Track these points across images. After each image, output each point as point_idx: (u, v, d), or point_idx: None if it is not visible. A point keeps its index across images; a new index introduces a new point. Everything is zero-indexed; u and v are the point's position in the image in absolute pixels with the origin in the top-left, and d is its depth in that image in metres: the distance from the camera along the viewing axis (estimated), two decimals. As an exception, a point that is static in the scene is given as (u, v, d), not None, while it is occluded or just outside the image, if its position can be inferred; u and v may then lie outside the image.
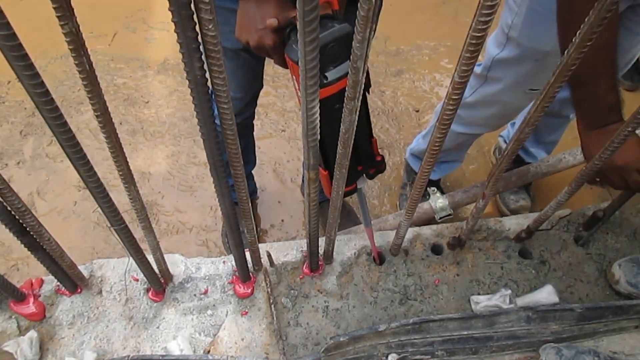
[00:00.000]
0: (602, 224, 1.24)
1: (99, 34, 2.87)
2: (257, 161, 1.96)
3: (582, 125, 1.02)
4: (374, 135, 0.94)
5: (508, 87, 1.42)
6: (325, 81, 0.76)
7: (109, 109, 0.66)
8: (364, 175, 0.99)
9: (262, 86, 1.42)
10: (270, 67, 2.67)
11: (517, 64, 1.34)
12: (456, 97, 0.65)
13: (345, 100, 0.63)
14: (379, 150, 0.97)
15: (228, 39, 1.07)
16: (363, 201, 1.10)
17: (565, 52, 0.65)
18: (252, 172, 1.97)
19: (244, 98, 1.40)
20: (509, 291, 1.13)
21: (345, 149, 0.75)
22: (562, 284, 1.20)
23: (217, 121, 0.68)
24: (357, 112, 0.66)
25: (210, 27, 0.53)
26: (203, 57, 0.57)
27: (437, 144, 0.77)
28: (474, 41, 0.56)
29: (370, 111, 0.91)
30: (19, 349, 1.03)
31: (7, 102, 2.47)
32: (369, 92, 0.84)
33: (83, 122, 2.41)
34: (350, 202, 2.12)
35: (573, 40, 0.62)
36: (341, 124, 0.69)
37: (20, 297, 1.08)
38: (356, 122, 0.86)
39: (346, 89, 0.61)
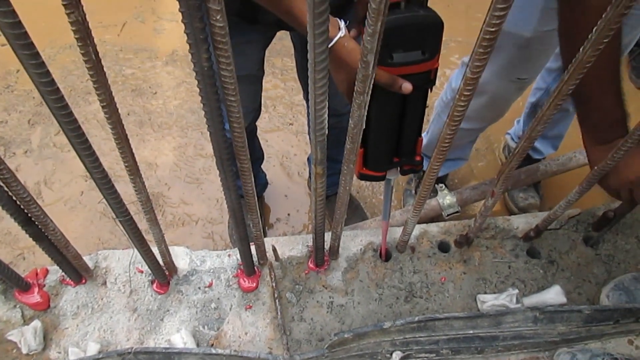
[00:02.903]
0: (613, 224, 1.22)
1: (108, 24, 2.86)
2: (264, 155, 1.95)
3: (588, 140, 1.01)
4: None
5: (493, 75, 1.41)
6: (389, 61, 0.74)
7: (117, 100, 0.65)
8: (398, 168, 0.96)
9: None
10: (279, 60, 2.66)
11: (500, 49, 1.33)
12: (468, 93, 0.64)
13: (354, 95, 0.62)
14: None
15: (243, 67, 1.19)
16: (389, 193, 1.07)
17: (581, 49, 0.63)
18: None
19: (255, 109, 1.51)
20: (516, 291, 1.11)
21: (353, 144, 0.73)
22: (570, 285, 1.18)
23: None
24: (366, 107, 0.65)
25: (218, 17, 0.52)
26: (211, 48, 0.56)
27: (447, 141, 0.76)
28: (487, 36, 0.55)
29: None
30: (22, 339, 1.03)
31: (15, 91, 2.48)
32: (431, 90, 0.82)
33: (91, 112, 2.41)
34: (358, 197, 2.11)
35: (589, 37, 0.61)
36: (350, 119, 0.68)
37: (25, 286, 1.08)
38: (399, 115, 0.84)
39: (356, 82, 0.60)
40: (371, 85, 0.60)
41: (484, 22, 0.53)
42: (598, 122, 0.97)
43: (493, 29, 0.53)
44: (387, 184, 1.04)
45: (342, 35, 0.81)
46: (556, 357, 1.02)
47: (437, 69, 0.79)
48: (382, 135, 0.87)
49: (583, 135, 1.02)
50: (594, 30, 0.59)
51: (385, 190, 1.07)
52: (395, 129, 0.87)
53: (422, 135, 1.91)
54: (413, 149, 0.92)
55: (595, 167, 0.94)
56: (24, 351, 1.03)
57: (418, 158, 0.94)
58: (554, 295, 1.12)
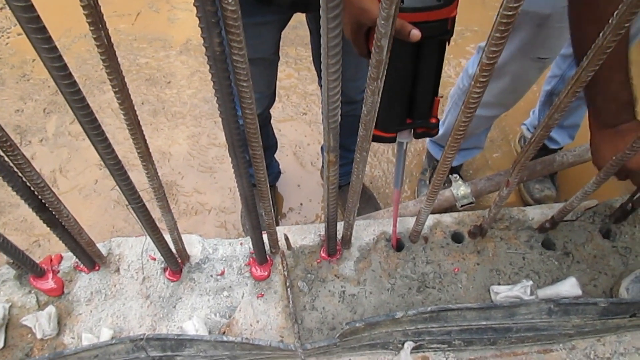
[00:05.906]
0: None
1: (122, 13, 2.87)
2: (278, 144, 1.95)
3: (594, 123, 0.99)
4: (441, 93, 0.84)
5: (514, 55, 1.39)
6: (400, 5, 0.65)
7: (131, 89, 0.65)
8: (411, 131, 0.89)
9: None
10: (293, 49, 2.64)
11: (519, 29, 1.32)
12: (484, 79, 0.63)
13: (367, 81, 0.61)
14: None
15: (258, 50, 1.17)
16: (401, 158, 1.00)
17: (601, 34, 0.61)
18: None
19: (269, 95, 1.51)
20: (531, 282, 1.10)
21: (366, 132, 0.72)
22: (586, 277, 1.17)
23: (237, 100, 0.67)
24: (380, 94, 0.64)
25: (230, 0, 0.51)
26: (223, 32, 0.56)
27: (461, 129, 0.75)
28: (504, 20, 0.53)
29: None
30: (37, 324, 1.04)
31: (31, 80, 2.50)
32: (449, 43, 0.76)
33: (105, 101, 2.43)
34: (371, 187, 2.10)
35: (609, 21, 0.59)
36: (363, 105, 0.67)
37: (39, 272, 1.09)
38: (414, 72, 0.77)
39: (369, 67, 0.59)
40: (385, 72, 0.59)
41: (501, 5, 0.52)
42: (604, 105, 0.95)
43: (511, 13, 0.52)
44: (400, 148, 0.97)
45: None
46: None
47: (454, 17, 0.73)
48: (392, 92, 0.79)
49: (589, 118, 1.00)
50: (614, 14, 0.57)
51: (398, 154, 0.99)
52: (408, 86, 0.80)
53: (440, 120, 1.88)
54: (428, 110, 0.84)
55: (614, 157, 0.92)
56: (39, 336, 1.05)
57: (433, 120, 0.86)
58: (569, 287, 1.10)
